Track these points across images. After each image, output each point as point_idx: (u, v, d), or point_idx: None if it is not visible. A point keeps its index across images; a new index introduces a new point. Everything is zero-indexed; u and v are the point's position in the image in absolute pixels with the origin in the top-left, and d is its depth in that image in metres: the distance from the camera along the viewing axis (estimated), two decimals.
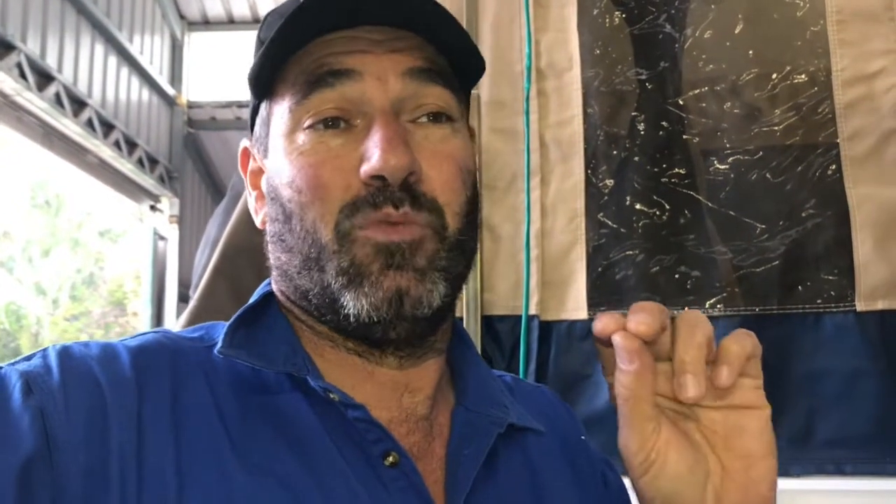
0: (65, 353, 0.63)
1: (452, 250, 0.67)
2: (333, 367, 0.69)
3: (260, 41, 0.73)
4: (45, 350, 0.64)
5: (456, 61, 0.72)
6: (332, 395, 0.64)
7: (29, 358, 0.63)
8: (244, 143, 0.78)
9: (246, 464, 0.61)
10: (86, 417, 0.59)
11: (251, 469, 0.61)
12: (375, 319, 0.64)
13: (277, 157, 0.69)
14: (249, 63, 0.74)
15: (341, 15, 0.67)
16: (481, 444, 0.69)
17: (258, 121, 0.74)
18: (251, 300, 0.72)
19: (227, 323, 0.69)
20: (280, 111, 0.69)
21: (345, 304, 0.64)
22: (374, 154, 0.63)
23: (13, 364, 0.63)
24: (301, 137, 0.67)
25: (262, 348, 0.67)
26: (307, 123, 0.67)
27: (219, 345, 0.66)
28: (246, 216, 1.68)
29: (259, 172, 0.75)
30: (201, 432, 0.62)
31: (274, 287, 0.73)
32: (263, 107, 0.73)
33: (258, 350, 0.67)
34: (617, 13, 1.72)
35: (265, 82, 0.70)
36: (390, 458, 0.64)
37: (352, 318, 0.64)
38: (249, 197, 0.77)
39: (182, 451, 0.60)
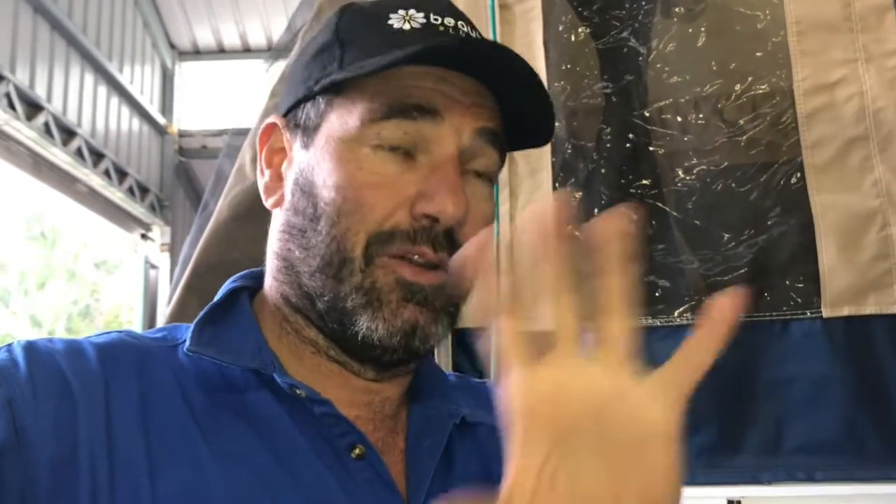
0: (30, 348, 0.63)
1: (463, 299, 0.69)
2: (308, 370, 0.70)
3: (338, 39, 0.71)
4: (9, 345, 0.64)
5: (520, 126, 0.73)
6: (298, 391, 0.65)
7: None
8: (272, 118, 0.76)
9: (217, 452, 0.62)
10: (54, 409, 0.59)
11: (222, 457, 0.62)
12: (385, 345, 0.65)
13: (327, 157, 0.68)
14: (329, 60, 0.71)
15: (451, 57, 0.67)
16: (439, 436, 0.72)
17: (309, 108, 0.72)
18: (216, 297, 0.73)
19: (192, 323, 0.70)
20: (346, 116, 0.68)
21: (357, 321, 0.65)
22: (438, 194, 0.65)
23: None
24: (365, 151, 0.67)
25: (229, 345, 0.68)
26: (375, 142, 0.67)
27: (187, 343, 0.67)
28: (217, 234, 1.68)
29: (280, 152, 0.74)
30: (171, 423, 0.62)
31: (268, 278, 0.73)
32: (322, 98, 0.71)
33: (225, 347, 0.67)
34: (582, 28, 1.75)
35: (340, 82, 0.69)
36: (357, 451, 0.65)
37: (359, 337, 0.65)
38: (261, 177, 0.75)
39: (152, 441, 0.61)
